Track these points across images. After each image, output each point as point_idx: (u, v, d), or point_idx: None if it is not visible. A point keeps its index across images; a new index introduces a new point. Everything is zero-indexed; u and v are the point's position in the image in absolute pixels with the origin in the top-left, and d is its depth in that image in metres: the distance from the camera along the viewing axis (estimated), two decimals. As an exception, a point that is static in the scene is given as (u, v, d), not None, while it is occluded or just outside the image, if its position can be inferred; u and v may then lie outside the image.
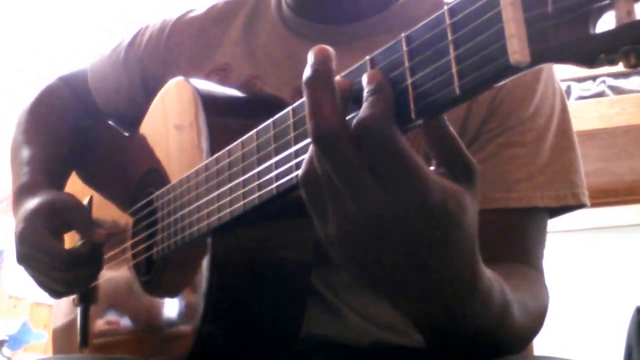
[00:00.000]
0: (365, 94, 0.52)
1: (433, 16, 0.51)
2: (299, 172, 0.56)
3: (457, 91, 0.48)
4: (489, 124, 0.88)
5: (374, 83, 0.51)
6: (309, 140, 0.60)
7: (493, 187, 0.86)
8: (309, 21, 1.00)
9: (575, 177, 0.89)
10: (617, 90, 2.14)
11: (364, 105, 0.51)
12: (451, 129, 0.53)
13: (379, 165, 0.51)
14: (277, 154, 0.66)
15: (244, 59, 1.02)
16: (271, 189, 0.66)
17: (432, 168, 0.54)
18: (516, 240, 0.87)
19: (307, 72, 0.52)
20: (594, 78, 2.16)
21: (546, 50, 0.44)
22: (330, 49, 0.53)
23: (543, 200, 0.86)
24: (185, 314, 0.86)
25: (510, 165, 0.87)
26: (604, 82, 2.15)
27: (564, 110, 0.92)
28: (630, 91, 2.13)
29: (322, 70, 0.52)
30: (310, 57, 0.53)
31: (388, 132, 0.50)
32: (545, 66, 0.90)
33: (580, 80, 2.15)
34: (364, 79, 0.52)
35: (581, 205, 0.89)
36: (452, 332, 0.62)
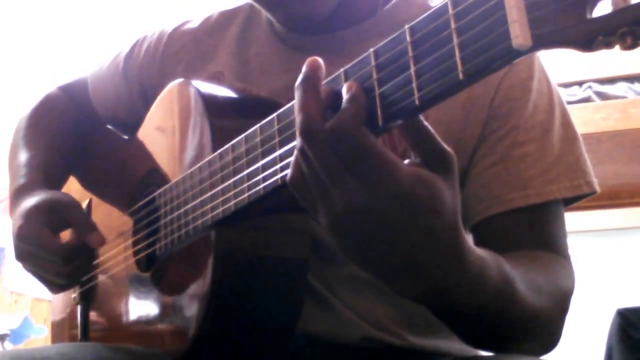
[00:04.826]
0: (343, 102, 0.58)
1: (434, 8, 0.53)
2: (287, 175, 0.63)
3: (461, 76, 0.51)
4: (491, 125, 0.90)
5: (349, 93, 0.58)
6: None
7: (509, 188, 0.88)
8: (299, 34, 1.00)
9: (585, 166, 0.91)
10: (603, 96, 2.14)
11: (338, 112, 0.58)
12: (425, 122, 0.59)
13: (352, 162, 0.58)
14: (281, 146, 0.68)
15: (237, 69, 1.03)
16: (276, 180, 0.68)
17: (407, 161, 0.59)
18: (538, 233, 0.89)
19: (299, 78, 0.61)
20: (580, 83, 2.17)
21: (546, 34, 0.46)
22: (319, 60, 0.61)
23: (560, 192, 0.88)
24: (187, 309, 0.87)
25: (522, 164, 0.88)
26: (590, 87, 2.15)
27: (562, 102, 0.94)
28: (616, 97, 2.14)
29: (312, 76, 0.60)
30: (304, 67, 0.61)
31: (356, 134, 0.57)
32: (537, 63, 0.92)
33: (567, 85, 2.15)
34: (344, 88, 0.59)
35: (594, 192, 0.91)
36: (451, 312, 0.67)
